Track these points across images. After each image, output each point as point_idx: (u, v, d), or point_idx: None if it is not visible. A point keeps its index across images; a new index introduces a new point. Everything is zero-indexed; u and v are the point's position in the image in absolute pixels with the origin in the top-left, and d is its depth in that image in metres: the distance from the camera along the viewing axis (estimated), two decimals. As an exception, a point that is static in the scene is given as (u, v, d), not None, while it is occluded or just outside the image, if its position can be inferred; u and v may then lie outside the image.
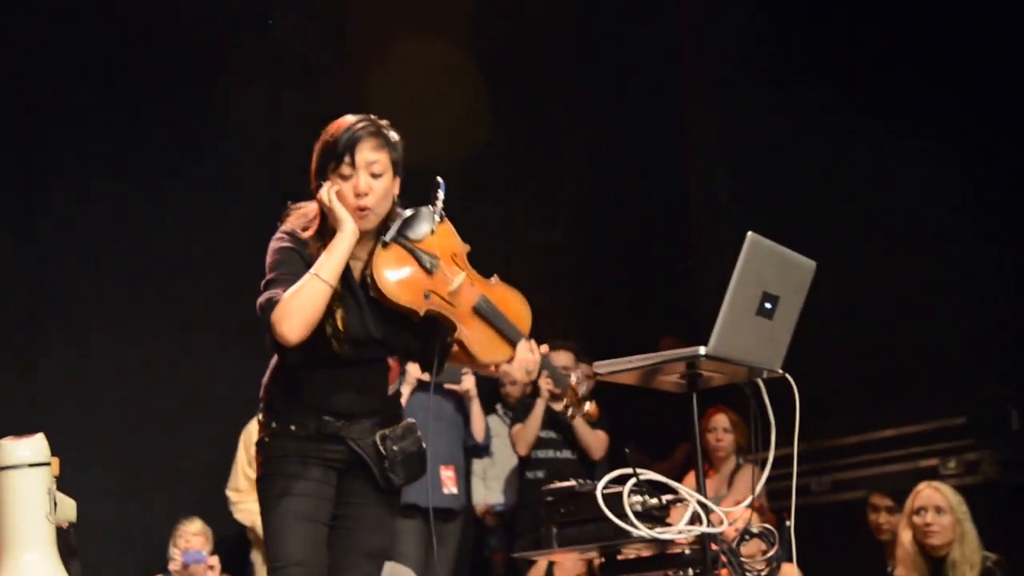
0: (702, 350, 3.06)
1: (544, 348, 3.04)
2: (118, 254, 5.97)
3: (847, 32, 6.49)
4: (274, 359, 2.97)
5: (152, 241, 6.06)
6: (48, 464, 2.37)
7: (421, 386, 5.77)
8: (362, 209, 2.84)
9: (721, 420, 5.75)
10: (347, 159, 2.84)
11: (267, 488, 2.91)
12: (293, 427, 2.90)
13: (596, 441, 6.07)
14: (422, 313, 2.89)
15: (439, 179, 2.97)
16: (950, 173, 6.03)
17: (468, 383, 5.89)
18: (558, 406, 5.96)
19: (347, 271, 2.89)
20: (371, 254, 2.92)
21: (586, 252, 7.45)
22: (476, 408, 6.00)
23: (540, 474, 6.03)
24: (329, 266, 2.80)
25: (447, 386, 5.88)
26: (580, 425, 5.95)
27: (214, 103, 6.19)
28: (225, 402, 6.05)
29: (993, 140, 5.95)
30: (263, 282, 2.87)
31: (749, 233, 3.12)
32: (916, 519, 4.55)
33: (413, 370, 5.68)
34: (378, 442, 2.93)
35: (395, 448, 2.93)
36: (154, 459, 5.91)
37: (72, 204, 5.87)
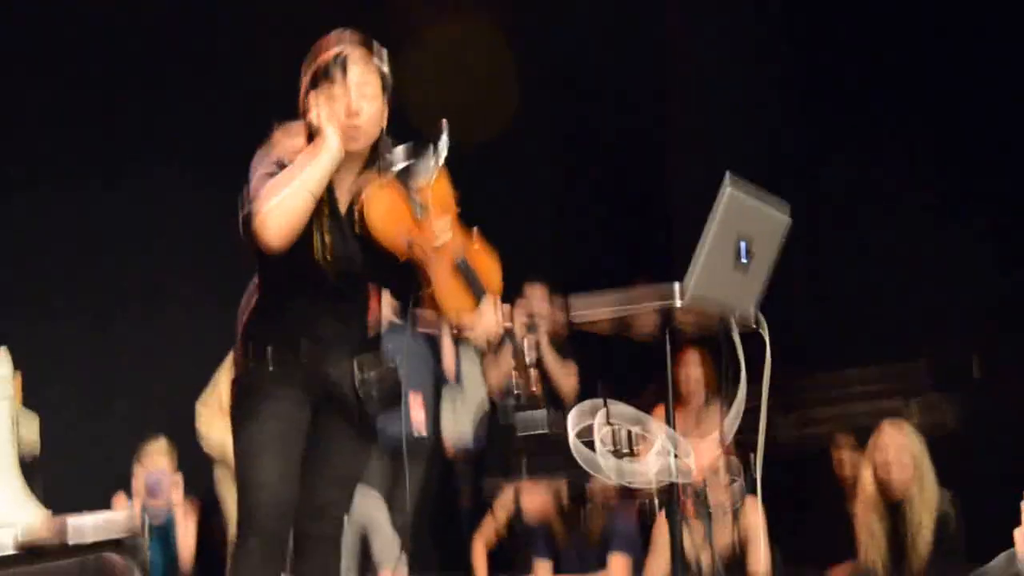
0: (678, 302, 3.06)
1: (508, 324, 3.03)
2: (94, 172, 5.90)
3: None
4: (254, 297, 2.95)
5: (127, 158, 6.00)
6: (10, 377, 2.34)
7: (392, 328, 5.74)
8: (351, 129, 2.80)
9: (693, 358, 5.77)
10: (338, 79, 2.79)
11: (241, 416, 2.89)
12: (269, 359, 2.87)
13: (567, 373, 6.10)
14: (402, 257, 2.87)
15: (443, 121, 2.89)
16: (919, 125, 6.07)
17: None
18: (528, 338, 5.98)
19: (334, 196, 2.86)
20: (359, 184, 2.89)
21: (562, 191, 7.44)
22: (447, 345, 5.99)
23: (511, 404, 6.06)
24: (313, 176, 2.75)
25: (418, 328, 5.86)
26: (552, 363, 5.97)
27: (234, 79, 6.08)
28: (192, 322, 6.03)
29: (967, 93, 5.99)
30: (246, 205, 2.80)
31: (726, 182, 3.09)
32: (877, 457, 4.61)
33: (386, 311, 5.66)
34: (355, 368, 2.92)
35: (370, 376, 2.92)
36: (119, 377, 5.89)
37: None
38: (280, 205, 2.73)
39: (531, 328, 5.76)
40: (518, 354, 3.09)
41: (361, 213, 2.84)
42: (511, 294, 6.22)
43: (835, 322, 6.22)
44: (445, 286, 2.92)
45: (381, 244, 2.85)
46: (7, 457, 2.29)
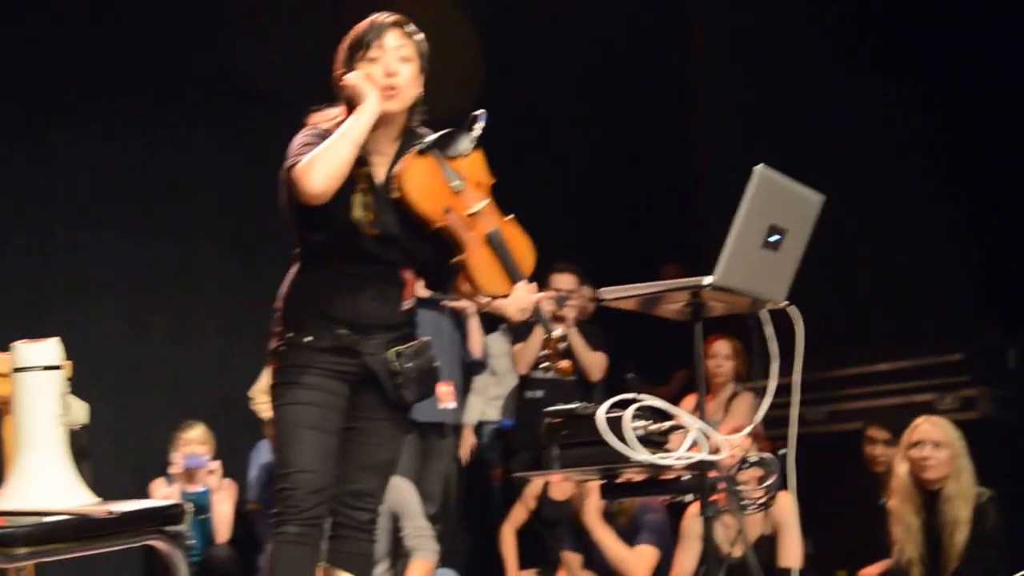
0: (707, 280, 3.06)
1: (539, 296, 3.07)
2: (126, 165, 5.95)
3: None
4: (292, 271, 3.00)
5: (161, 152, 6.05)
6: (61, 367, 2.39)
7: (421, 302, 5.78)
8: (390, 88, 2.86)
9: (722, 347, 5.79)
10: (376, 44, 2.88)
11: (280, 396, 2.93)
12: (308, 338, 2.91)
13: (595, 362, 6.11)
14: (437, 225, 2.92)
15: (482, 111, 3.02)
16: (953, 119, 6.03)
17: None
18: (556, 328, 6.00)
19: (370, 168, 2.91)
20: (397, 154, 2.96)
21: (590, 178, 7.44)
22: (475, 324, 6.02)
23: (539, 394, 6.07)
24: (354, 127, 2.81)
25: (446, 303, 5.90)
26: (579, 345, 5.99)
27: (221, 56, 6.10)
28: (227, 310, 6.10)
29: (991, 83, 5.95)
30: (285, 167, 2.86)
31: (758, 165, 3.11)
32: (913, 452, 4.57)
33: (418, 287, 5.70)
34: (392, 358, 2.96)
35: (408, 365, 2.96)
36: (157, 364, 5.96)
37: (83, 115, 5.83)
38: (322, 153, 2.78)
39: (560, 302, 5.81)
40: (546, 326, 3.09)
41: (399, 180, 2.90)
42: (540, 284, 6.28)
43: (867, 314, 6.18)
44: (478, 255, 2.98)
45: (417, 211, 2.90)
46: (59, 445, 2.33)
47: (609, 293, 3.21)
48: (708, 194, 7.00)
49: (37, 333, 2.44)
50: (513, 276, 3.02)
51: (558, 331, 3.11)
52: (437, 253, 3.00)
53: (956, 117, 6.05)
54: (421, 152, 2.94)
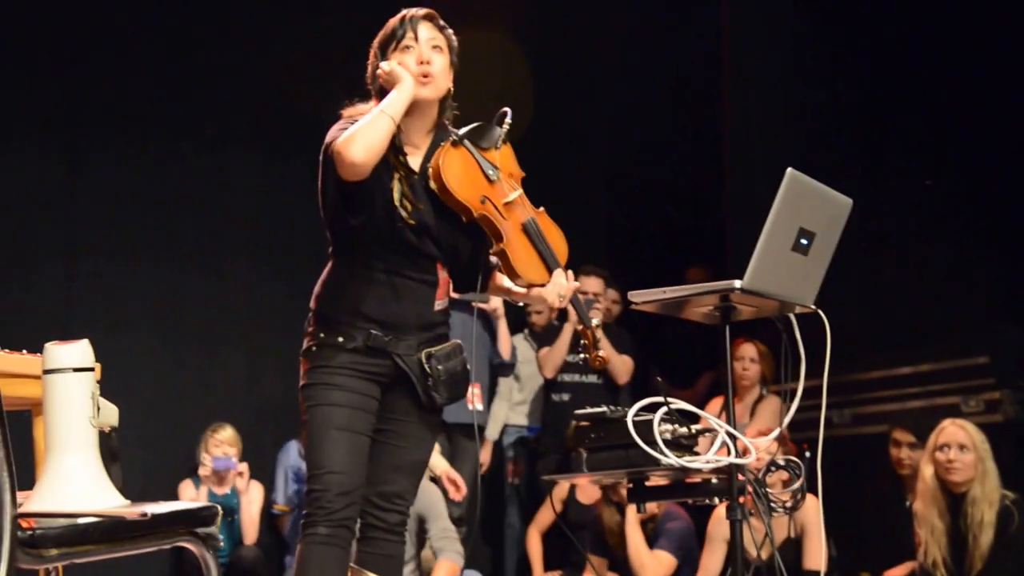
0: (737, 283, 3.03)
1: (576, 284, 3.07)
2: (156, 173, 5.97)
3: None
4: (327, 269, 3.00)
5: (188, 161, 6.06)
6: (92, 369, 2.37)
7: (451, 304, 5.77)
8: (425, 76, 2.90)
9: (749, 350, 5.76)
10: (409, 35, 2.92)
11: (310, 397, 2.92)
12: (340, 339, 2.91)
13: (622, 366, 6.09)
14: (475, 214, 2.93)
15: (506, 109, 3.06)
16: (979, 122, 5.99)
17: (496, 302, 5.91)
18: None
19: (405, 155, 2.93)
20: (430, 148, 2.98)
21: (617, 182, 7.42)
22: (503, 326, 6.01)
23: (565, 397, 6.08)
24: (392, 104, 2.83)
25: (475, 304, 5.88)
26: (606, 349, 5.96)
27: (260, 76, 6.13)
28: (255, 316, 6.10)
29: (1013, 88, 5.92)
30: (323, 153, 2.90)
31: (789, 169, 3.08)
32: (939, 455, 4.55)
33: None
34: (423, 360, 2.94)
35: (440, 367, 2.95)
36: (186, 367, 5.97)
37: (112, 124, 5.85)
38: (362, 127, 2.79)
39: (587, 306, 5.79)
40: (584, 316, 3.08)
41: (437, 169, 2.92)
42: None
43: (891, 317, 6.14)
44: (516, 243, 2.99)
45: (455, 199, 2.92)
46: (90, 447, 2.32)
47: (639, 296, 3.18)
48: (733, 199, 6.97)
49: (68, 337, 2.43)
50: (550, 264, 3.03)
51: (595, 321, 3.11)
52: (472, 247, 3.01)
53: (979, 119, 6.01)
54: (455, 144, 2.96)
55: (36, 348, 2.61)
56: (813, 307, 3.28)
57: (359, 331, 2.91)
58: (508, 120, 3.05)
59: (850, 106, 6.54)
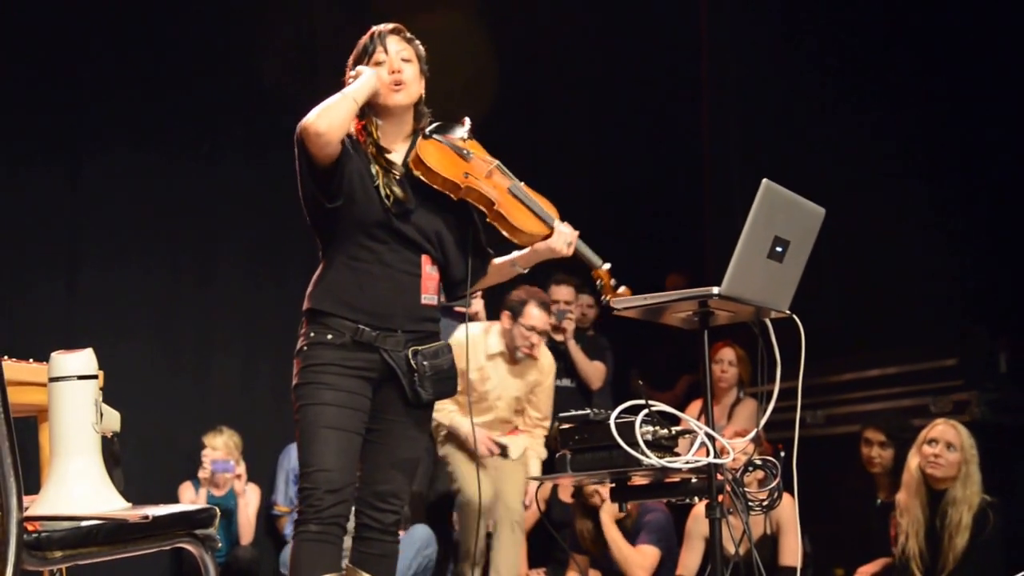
0: (715, 290, 3.05)
1: (576, 232, 3.13)
2: (153, 185, 5.96)
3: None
4: (317, 271, 3.01)
5: (185, 172, 6.05)
6: (96, 377, 2.38)
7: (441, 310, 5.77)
8: (396, 83, 2.98)
9: (727, 354, 5.78)
10: (379, 49, 3.00)
11: (301, 396, 2.92)
12: (330, 336, 2.91)
13: (594, 371, 6.11)
14: (461, 187, 2.98)
15: (466, 118, 3.15)
16: (946, 129, 6.03)
17: (477, 306, 5.90)
18: (559, 337, 5.99)
19: (386, 153, 2.99)
20: (409, 150, 3.04)
21: (596, 191, 7.43)
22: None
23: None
24: (355, 87, 2.92)
25: (456, 308, 5.88)
26: (579, 356, 5.99)
27: (245, 69, 6.14)
28: (251, 321, 6.09)
29: (987, 99, 5.95)
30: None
31: (764, 180, 3.10)
32: (926, 448, 4.54)
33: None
34: (409, 356, 2.95)
35: (426, 363, 2.96)
36: (185, 373, 5.96)
37: (111, 136, 5.85)
38: (325, 104, 2.87)
39: (560, 316, 5.83)
40: (592, 261, 3.17)
41: (417, 159, 2.98)
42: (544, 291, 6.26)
43: (862, 320, 6.17)
44: (507, 203, 3.03)
45: (440, 178, 2.97)
46: (93, 452, 2.32)
47: (620, 303, 3.19)
48: (711, 207, 6.99)
49: (70, 346, 2.44)
50: (544, 218, 3.09)
51: (607, 265, 3.16)
52: (457, 238, 3.05)
53: (950, 129, 6.05)
54: (426, 138, 3.05)
55: (40, 357, 2.61)
56: (788, 312, 3.30)
57: (347, 325, 2.91)
58: (468, 126, 3.13)
59: (822, 114, 6.57)
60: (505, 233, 3.06)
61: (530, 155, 6.56)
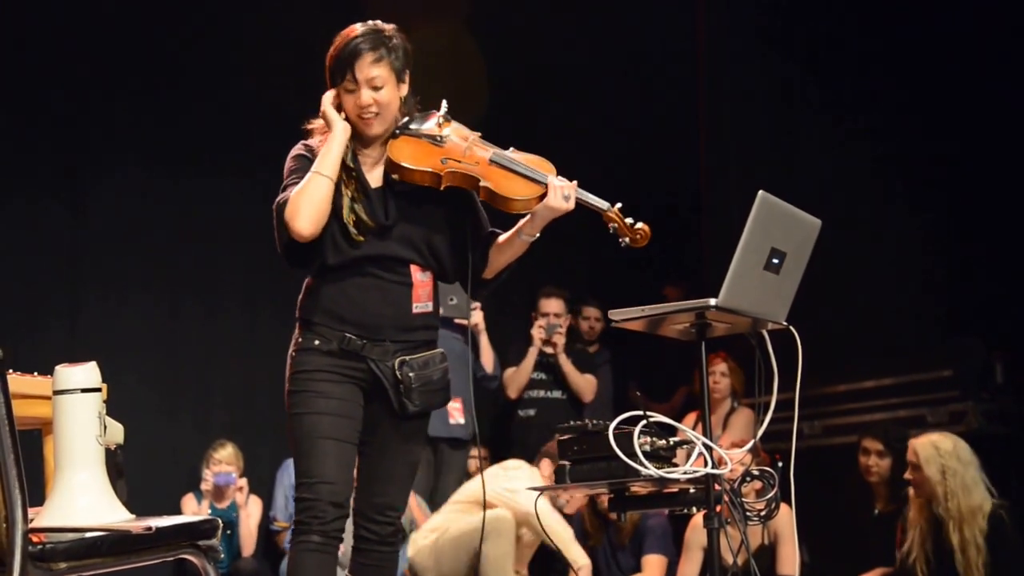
0: (712, 301, 3.06)
1: (574, 182, 2.99)
2: (158, 202, 5.99)
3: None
4: (308, 277, 2.96)
5: (187, 182, 6.07)
6: (99, 390, 2.39)
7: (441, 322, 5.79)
8: (364, 117, 2.89)
9: (720, 365, 5.79)
10: (349, 76, 2.88)
11: (295, 404, 2.87)
12: (317, 342, 2.87)
13: (586, 385, 6.11)
14: (443, 174, 2.88)
15: (443, 101, 3.03)
16: (940, 143, 6.04)
17: (477, 317, 5.92)
18: (549, 349, 6.01)
19: (361, 175, 2.91)
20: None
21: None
22: (485, 341, 6.02)
23: (531, 412, 6.11)
24: (325, 161, 2.85)
25: (457, 320, 5.90)
26: (568, 370, 6.01)
27: (237, 78, 6.15)
28: (252, 336, 6.10)
29: (994, 112, 5.96)
30: (281, 187, 2.93)
31: (760, 192, 3.11)
32: (914, 462, 4.55)
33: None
34: (396, 367, 2.87)
35: (412, 375, 2.87)
36: (188, 387, 5.97)
37: (112, 157, 5.88)
38: (303, 196, 2.81)
39: (550, 331, 5.84)
40: (597, 206, 3.04)
41: (390, 161, 2.89)
42: (529, 307, 6.27)
43: (859, 332, 6.17)
44: (492, 175, 2.92)
45: (418, 173, 2.88)
46: (97, 464, 2.33)
47: (619, 315, 3.20)
48: (708, 219, 7.00)
49: (75, 358, 2.45)
50: (535, 177, 2.95)
51: (617, 205, 3.03)
52: (449, 240, 2.95)
53: (939, 141, 6.06)
54: (395, 135, 2.95)
55: (44, 371, 2.62)
56: (784, 323, 3.31)
57: (335, 334, 2.87)
58: (445, 108, 3.01)
59: (817, 129, 6.59)
60: (499, 207, 2.93)
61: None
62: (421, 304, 2.93)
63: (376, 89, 2.88)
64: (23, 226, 5.56)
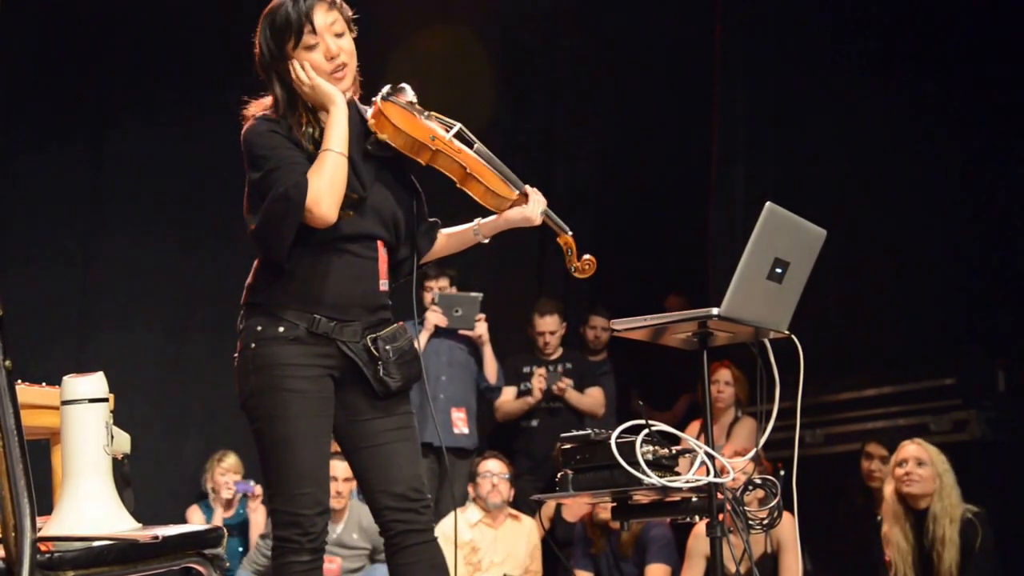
0: (715, 311, 3.06)
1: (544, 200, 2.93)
2: (167, 208, 6.01)
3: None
4: (258, 259, 2.78)
5: (199, 189, 6.09)
6: (107, 400, 2.40)
7: (438, 332, 5.82)
8: (338, 70, 2.71)
9: (724, 374, 5.80)
10: (308, 28, 2.68)
11: (263, 406, 2.66)
12: (282, 328, 2.65)
13: (592, 402, 6.16)
14: (431, 149, 2.77)
15: (404, 85, 2.91)
16: (948, 148, 6.04)
17: (481, 328, 5.94)
18: (557, 392, 6.05)
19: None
20: (361, 117, 2.82)
21: (601, 211, 7.45)
22: (488, 352, 6.04)
23: (534, 423, 6.13)
24: (338, 137, 2.67)
25: (461, 332, 5.92)
26: (577, 401, 6.05)
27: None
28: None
29: (994, 123, 5.96)
30: (260, 174, 2.67)
31: (768, 203, 3.11)
32: (898, 470, 4.59)
33: (432, 317, 5.74)
34: (369, 344, 2.69)
35: (388, 348, 2.70)
36: (190, 397, 5.98)
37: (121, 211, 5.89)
38: (325, 182, 2.63)
39: (552, 379, 5.86)
40: (561, 227, 2.98)
41: (381, 120, 2.75)
42: (525, 320, 6.27)
43: (861, 340, 6.18)
44: (479, 167, 2.85)
45: (408, 140, 2.76)
46: (104, 473, 2.34)
47: (622, 324, 3.21)
48: (714, 229, 7.01)
49: (82, 368, 2.46)
50: (513, 182, 2.90)
51: (570, 234, 3.00)
52: (407, 219, 2.83)
53: (945, 147, 6.06)
54: (384, 99, 2.81)
55: (52, 381, 2.63)
56: (787, 332, 3.31)
57: (304, 316, 2.66)
58: (412, 94, 2.88)
59: (821, 137, 6.60)
60: (476, 197, 2.85)
61: (530, 176, 6.57)
62: (384, 281, 2.79)
63: (339, 36, 2.71)
64: (31, 234, 5.59)
